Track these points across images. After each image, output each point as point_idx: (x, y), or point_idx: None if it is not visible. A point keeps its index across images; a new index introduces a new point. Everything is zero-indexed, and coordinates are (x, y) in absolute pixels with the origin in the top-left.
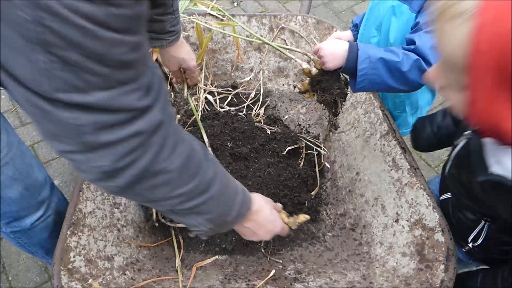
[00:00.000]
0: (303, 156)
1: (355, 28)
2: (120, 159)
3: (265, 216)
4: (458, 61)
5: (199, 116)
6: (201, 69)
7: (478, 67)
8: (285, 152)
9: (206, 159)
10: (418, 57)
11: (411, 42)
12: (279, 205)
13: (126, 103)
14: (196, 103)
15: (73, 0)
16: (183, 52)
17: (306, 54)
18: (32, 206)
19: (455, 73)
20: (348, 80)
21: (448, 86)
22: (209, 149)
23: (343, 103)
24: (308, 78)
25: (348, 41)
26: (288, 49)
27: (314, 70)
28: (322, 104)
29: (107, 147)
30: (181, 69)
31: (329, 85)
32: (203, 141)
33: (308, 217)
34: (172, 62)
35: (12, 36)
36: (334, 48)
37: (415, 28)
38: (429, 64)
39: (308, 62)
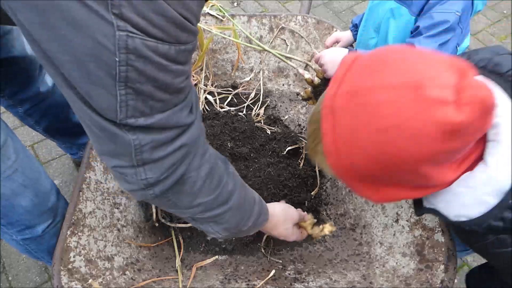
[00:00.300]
0: (303, 156)
1: (355, 28)
2: (166, 171)
3: (279, 232)
4: (332, 171)
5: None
6: (201, 69)
7: (341, 177)
8: (285, 152)
9: (227, 172)
10: None
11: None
12: (306, 216)
13: (179, 120)
14: None
15: (154, 42)
16: None
17: (307, 64)
18: (43, 213)
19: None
20: None
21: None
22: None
23: None
24: (310, 86)
25: (348, 48)
26: (290, 57)
27: (316, 80)
28: None
29: (157, 162)
30: None
31: None
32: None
33: (334, 228)
34: None
35: (102, 76)
36: (334, 56)
37: (415, 32)
38: None
39: (305, 67)
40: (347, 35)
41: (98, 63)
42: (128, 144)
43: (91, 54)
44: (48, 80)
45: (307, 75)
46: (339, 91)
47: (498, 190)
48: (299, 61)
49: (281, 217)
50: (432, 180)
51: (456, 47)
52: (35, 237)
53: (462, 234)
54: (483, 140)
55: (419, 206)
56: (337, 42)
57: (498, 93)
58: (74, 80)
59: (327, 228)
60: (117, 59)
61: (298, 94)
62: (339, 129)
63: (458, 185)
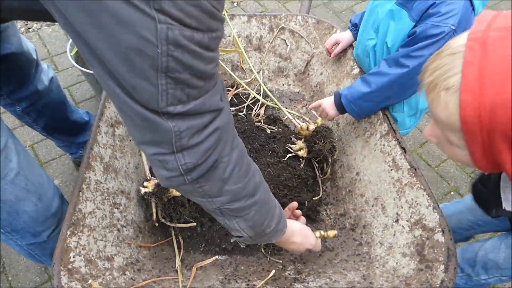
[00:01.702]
0: (303, 157)
1: (354, 27)
2: (202, 155)
3: (295, 241)
4: (455, 124)
5: None
6: None
7: (468, 131)
8: (285, 158)
9: (253, 163)
10: (401, 72)
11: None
12: (318, 246)
13: (212, 104)
14: None
15: (190, 31)
16: None
17: (302, 116)
18: (48, 219)
19: (453, 132)
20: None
21: (446, 142)
22: None
23: (333, 157)
24: (302, 138)
25: (339, 91)
26: (290, 112)
27: (311, 127)
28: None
29: (194, 147)
30: None
31: (323, 137)
32: None
33: (336, 232)
34: None
35: (145, 68)
36: (330, 100)
37: (412, 36)
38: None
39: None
40: (346, 36)
41: (142, 56)
42: (169, 131)
43: (136, 49)
44: (45, 78)
45: (301, 123)
46: (491, 26)
47: None
48: (296, 114)
49: (300, 230)
50: None
51: None
52: (40, 243)
53: None
54: None
55: (495, 208)
56: (337, 43)
57: None
58: (120, 75)
59: (332, 233)
60: (159, 51)
61: (289, 149)
62: (489, 61)
63: None
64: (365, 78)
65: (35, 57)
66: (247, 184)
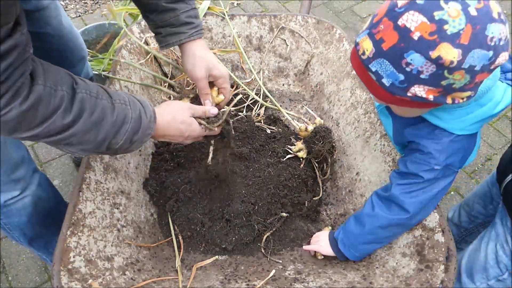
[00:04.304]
0: (303, 157)
1: None
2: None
3: (172, 134)
4: None
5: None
6: None
7: None
8: (285, 159)
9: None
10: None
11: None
12: (207, 111)
13: None
14: None
15: None
16: (211, 54)
17: (301, 117)
18: (5, 183)
19: None
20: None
21: None
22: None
23: (332, 157)
24: (301, 139)
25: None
26: (288, 113)
27: (310, 128)
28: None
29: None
30: (209, 78)
31: (322, 137)
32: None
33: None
34: (198, 66)
35: None
36: (325, 244)
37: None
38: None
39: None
40: None
41: None
42: None
43: None
44: (84, 75)
45: (300, 124)
46: None
47: None
48: (293, 115)
49: (169, 117)
50: None
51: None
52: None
53: None
54: None
55: None
56: None
57: None
58: None
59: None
60: None
61: (288, 150)
62: None
63: None
64: (358, 217)
65: (80, 50)
66: (50, 125)
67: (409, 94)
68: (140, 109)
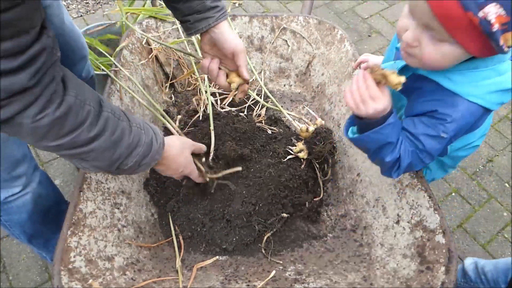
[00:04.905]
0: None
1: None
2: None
3: (178, 163)
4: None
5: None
6: None
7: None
8: (286, 160)
9: (98, 115)
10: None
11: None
12: (203, 147)
13: None
14: (197, 103)
15: None
16: (234, 34)
17: (302, 118)
18: (6, 180)
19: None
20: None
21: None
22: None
23: (333, 158)
24: (302, 140)
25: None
26: (289, 114)
27: (311, 128)
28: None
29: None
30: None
31: (323, 138)
32: (209, 143)
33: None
34: (236, 40)
35: None
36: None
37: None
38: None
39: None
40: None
41: None
42: None
43: None
44: (85, 73)
45: (301, 125)
46: None
47: None
48: (294, 115)
49: (178, 147)
50: None
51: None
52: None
53: None
54: None
55: None
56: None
57: None
58: None
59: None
60: None
61: (289, 151)
62: None
63: None
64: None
65: (82, 49)
66: (75, 138)
67: (480, 14)
68: (152, 135)
